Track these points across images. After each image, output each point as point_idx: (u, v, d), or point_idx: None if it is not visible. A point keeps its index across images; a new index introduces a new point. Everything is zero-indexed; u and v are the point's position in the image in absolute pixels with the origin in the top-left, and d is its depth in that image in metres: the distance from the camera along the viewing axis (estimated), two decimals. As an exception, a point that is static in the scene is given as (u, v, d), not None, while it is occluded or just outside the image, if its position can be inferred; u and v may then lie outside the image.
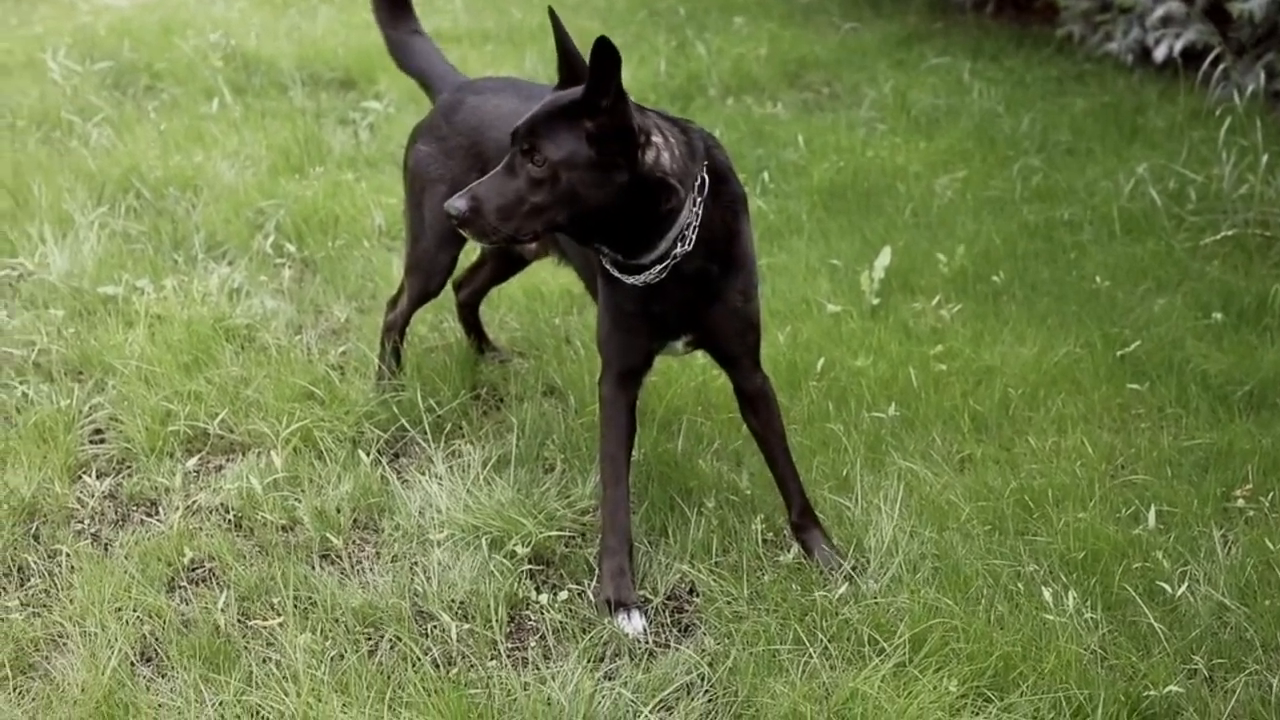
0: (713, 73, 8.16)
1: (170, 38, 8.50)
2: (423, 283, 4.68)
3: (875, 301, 5.50)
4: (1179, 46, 8.00)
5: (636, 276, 3.72)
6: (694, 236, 3.68)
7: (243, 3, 9.53)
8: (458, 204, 3.52)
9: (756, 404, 4.07)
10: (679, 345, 3.95)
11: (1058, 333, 5.30)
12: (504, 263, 5.02)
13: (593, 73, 3.43)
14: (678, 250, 3.67)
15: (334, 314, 5.46)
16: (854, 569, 3.97)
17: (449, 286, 4.92)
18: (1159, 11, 8.09)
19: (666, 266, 3.69)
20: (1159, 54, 8.09)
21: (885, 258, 5.65)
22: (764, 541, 4.11)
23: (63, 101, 7.46)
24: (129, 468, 4.53)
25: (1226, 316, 5.39)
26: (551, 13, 3.75)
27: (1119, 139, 7.20)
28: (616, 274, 3.75)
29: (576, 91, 3.51)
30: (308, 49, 8.41)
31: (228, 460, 4.57)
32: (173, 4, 9.59)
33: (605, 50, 3.36)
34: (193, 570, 4.04)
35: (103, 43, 8.40)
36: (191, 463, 4.51)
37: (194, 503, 4.33)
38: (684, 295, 3.78)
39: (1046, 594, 3.74)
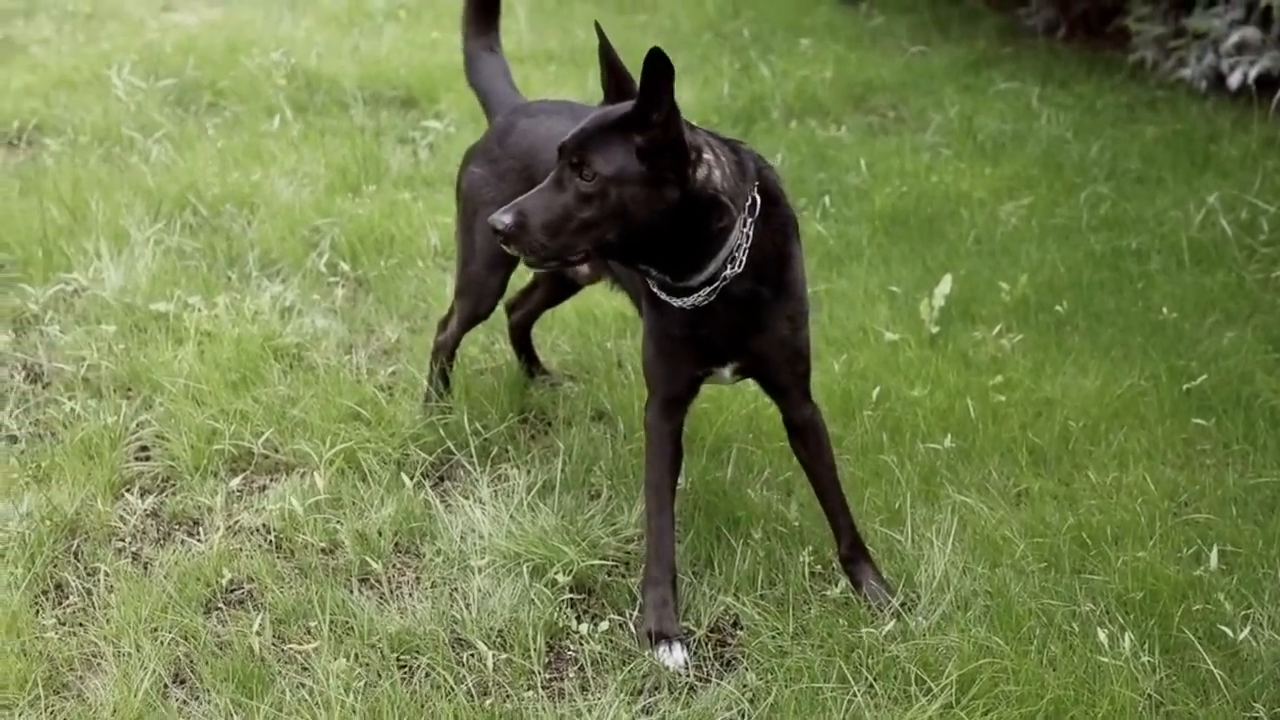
0: (776, 95, 8.07)
1: (235, 56, 8.51)
2: (473, 305, 4.62)
3: (934, 330, 5.38)
4: (1254, 74, 7.83)
5: (684, 299, 3.63)
6: (744, 258, 3.59)
7: (309, 21, 9.54)
8: (503, 219, 3.42)
9: (805, 435, 3.97)
10: (726, 373, 3.85)
11: (1121, 365, 5.17)
12: (557, 286, 4.96)
13: (644, 86, 3.34)
14: (727, 272, 3.58)
15: (385, 334, 5.41)
16: (903, 605, 3.86)
17: (500, 308, 4.87)
18: (1234, 38, 7.92)
19: (715, 289, 3.60)
20: (1233, 81, 7.92)
21: (946, 286, 5.54)
22: (811, 574, 4.02)
23: (125, 118, 7.48)
24: (172, 486, 4.49)
25: (1299, 350, 5.25)
26: (598, 27, 3.68)
27: (1190, 168, 7.05)
28: (664, 296, 3.67)
29: (627, 106, 3.43)
30: (371, 68, 8.39)
31: (271, 480, 4.52)
32: (240, 22, 9.62)
33: (658, 62, 3.28)
34: (231, 591, 4.00)
35: (168, 60, 8.42)
36: (235, 482, 4.47)
37: (235, 523, 4.29)
38: (732, 320, 3.69)
39: (1102, 635, 3.62)
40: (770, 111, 7.95)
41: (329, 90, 8.05)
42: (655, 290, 3.69)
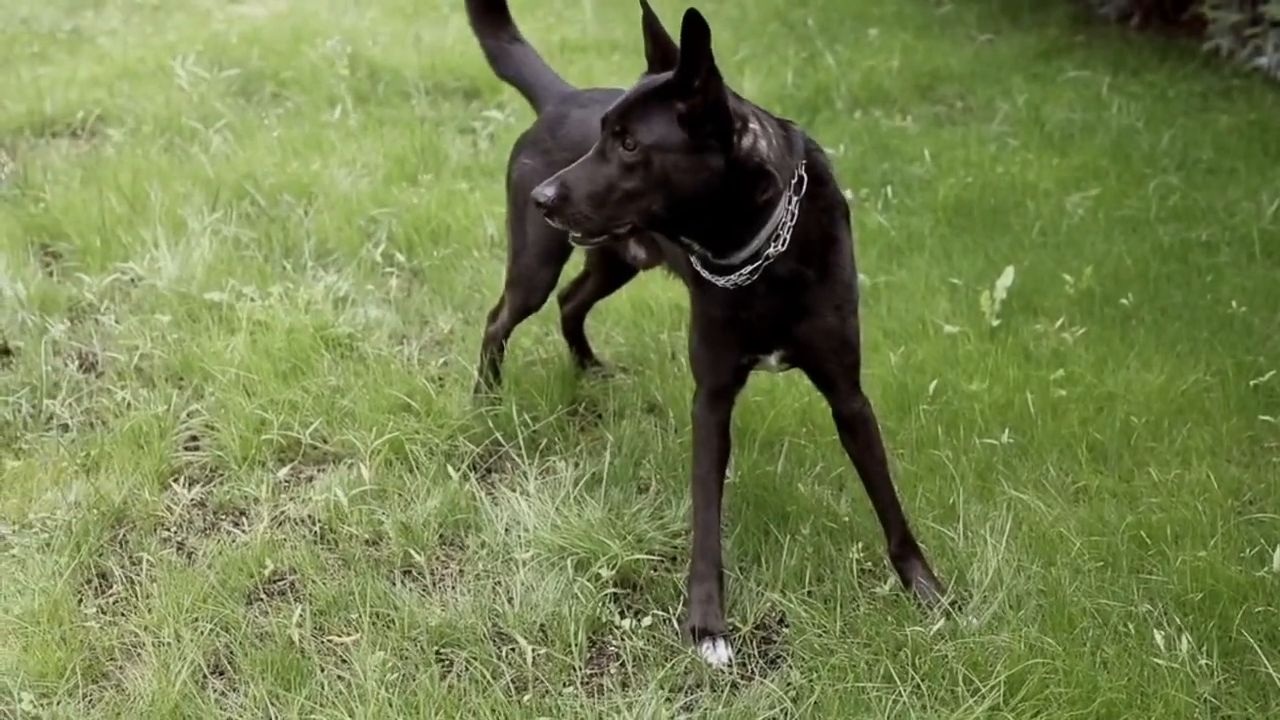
0: (841, 85, 7.97)
1: (299, 46, 8.52)
2: (523, 298, 4.57)
3: (995, 323, 5.28)
4: (1331, 63, 7.67)
5: (727, 277, 3.55)
6: (788, 236, 3.50)
7: (374, 11, 9.54)
8: (545, 191, 3.33)
9: (855, 428, 3.88)
10: (772, 360, 3.77)
11: (1187, 360, 5.05)
12: (610, 274, 4.90)
13: (684, 50, 3.26)
14: (770, 250, 3.49)
15: (439, 325, 5.38)
16: (954, 604, 3.77)
17: (553, 299, 4.81)
18: (1312, 25, 7.75)
19: (759, 267, 3.51)
20: (1311, 70, 7.76)
21: (1008, 278, 5.42)
22: (861, 571, 3.94)
23: (187, 108, 7.51)
24: (220, 476, 4.48)
25: (1371, 347, 5.11)
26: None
27: (1264, 158, 6.88)
28: (706, 275, 3.59)
29: (669, 74, 3.36)
30: (434, 58, 8.36)
31: (319, 471, 4.50)
32: (307, 12, 9.63)
33: (695, 25, 3.19)
34: (273, 582, 3.97)
35: (232, 50, 8.45)
36: (283, 473, 4.45)
37: (281, 513, 4.27)
38: (775, 303, 3.60)
39: (1158, 637, 3.52)
40: (835, 101, 7.85)
41: (391, 81, 8.05)
42: (699, 269, 3.61)
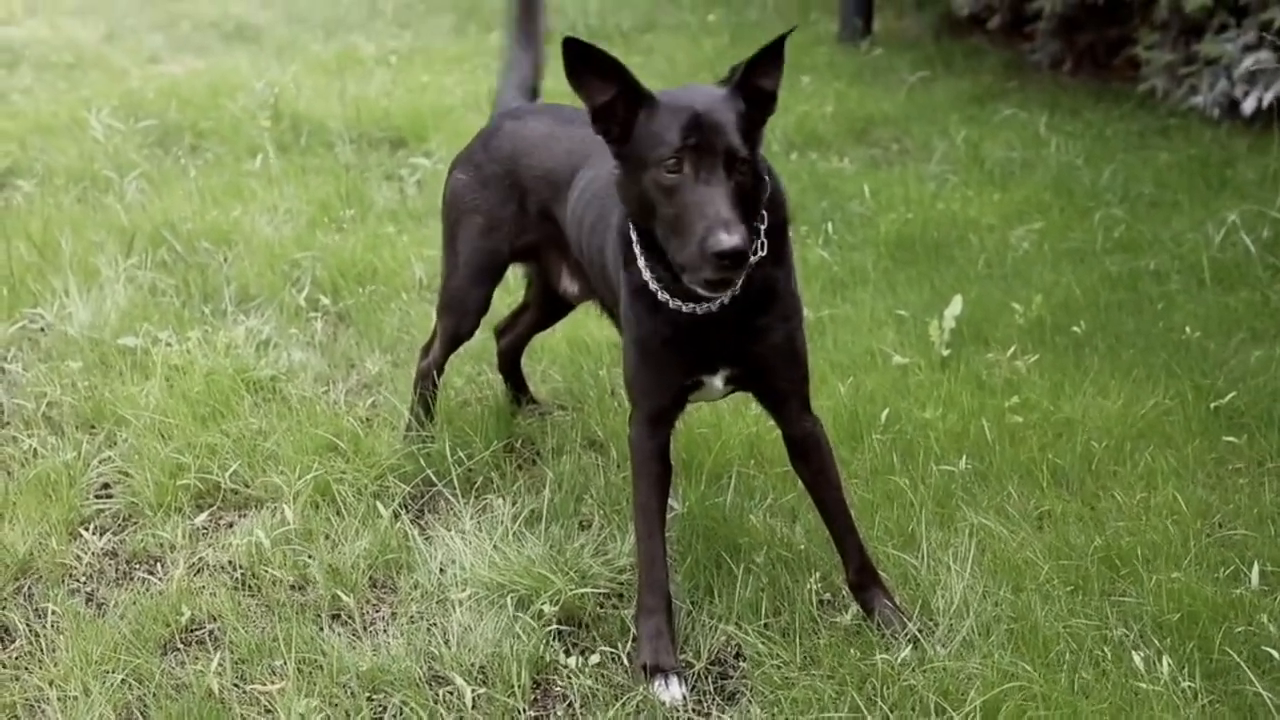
0: (776, 128, 7.82)
1: (218, 99, 8.28)
2: (455, 323, 4.35)
3: (945, 353, 5.09)
4: (1269, 98, 7.58)
5: (698, 304, 3.34)
6: (766, 242, 3.36)
7: (297, 67, 9.30)
8: (733, 240, 2.97)
9: (808, 450, 3.67)
10: (718, 382, 3.54)
11: (1144, 384, 4.88)
12: (547, 307, 4.69)
13: (752, 66, 3.18)
14: (752, 258, 3.28)
15: (367, 367, 5.12)
16: (920, 631, 3.54)
17: (491, 334, 4.60)
18: (1247, 62, 7.67)
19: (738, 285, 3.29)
20: (1248, 106, 7.67)
21: (956, 307, 5.25)
22: (820, 602, 3.71)
23: (101, 159, 7.23)
24: (134, 523, 4.19)
25: (1332, 369, 4.96)
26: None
27: (1206, 191, 6.78)
28: (675, 302, 3.36)
29: (720, 89, 3.19)
30: (359, 109, 8.13)
31: (240, 516, 4.22)
32: (225, 69, 9.39)
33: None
34: (191, 631, 3.69)
35: (149, 105, 8.20)
36: (201, 518, 4.17)
37: (199, 560, 3.99)
38: (732, 317, 3.39)
39: (1137, 659, 3.32)
40: (770, 144, 7.69)
41: (315, 131, 7.81)
42: (664, 298, 3.38)
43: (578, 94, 3.21)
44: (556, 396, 4.95)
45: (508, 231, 4.17)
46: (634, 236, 3.36)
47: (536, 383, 4.99)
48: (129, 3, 11.45)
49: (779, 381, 3.58)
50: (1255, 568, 3.71)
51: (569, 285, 4.21)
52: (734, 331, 3.43)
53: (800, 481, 3.76)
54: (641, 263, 3.37)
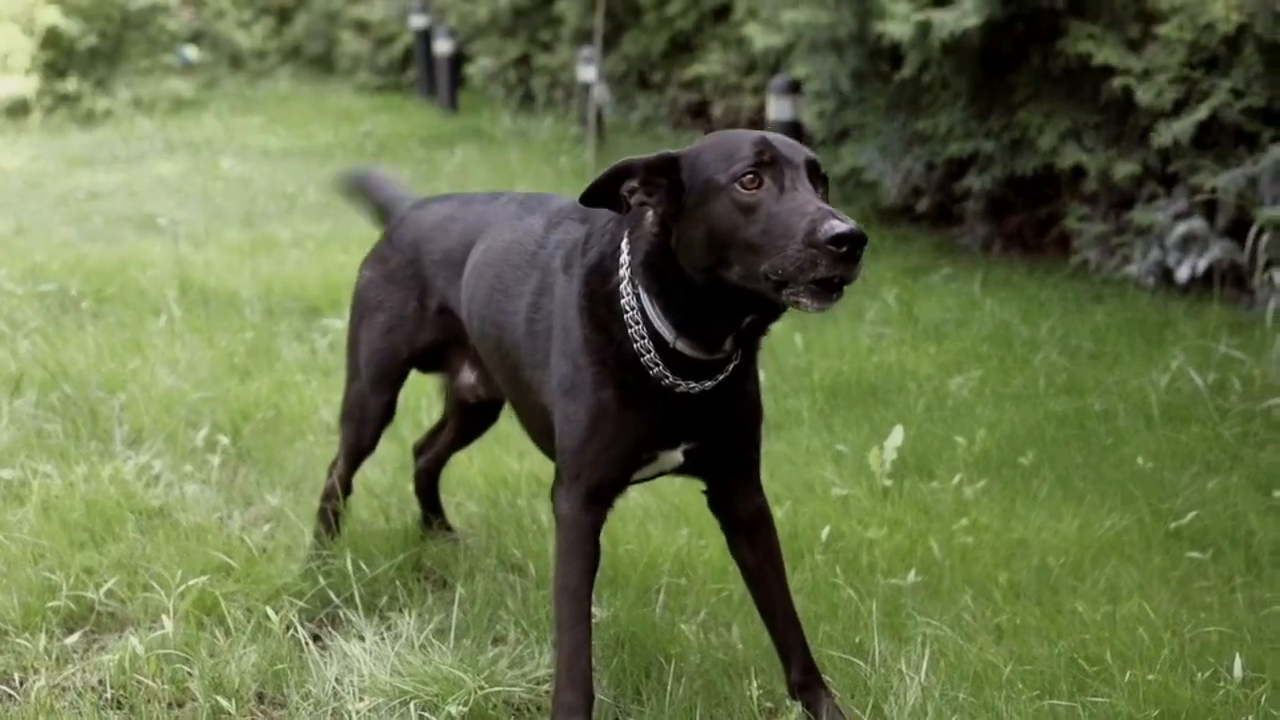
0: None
1: (126, 271, 7.96)
2: (355, 433, 4.04)
3: (888, 483, 4.78)
4: (1202, 267, 7.47)
5: (695, 383, 3.10)
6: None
7: (210, 252, 8.98)
8: (854, 225, 2.73)
9: (756, 529, 3.36)
10: (677, 455, 3.23)
11: (1098, 509, 4.59)
12: (462, 421, 4.38)
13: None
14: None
15: (266, 501, 4.73)
16: (873, 733, 3.16)
17: (394, 444, 4.26)
18: (1179, 230, 7.57)
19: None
20: (1182, 275, 7.54)
21: (897, 437, 4.95)
22: (761, 709, 3.32)
23: (-4, 318, 6.87)
24: (-3, 646, 3.75)
25: (1292, 495, 4.71)
26: None
27: (1146, 345, 6.57)
28: (670, 378, 3.08)
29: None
30: (270, 284, 7.80)
31: (118, 638, 3.79)
32: (137, 248, 9.05)
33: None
34: (49, 750, 3.24)
35: (52, 273, 7.85)
36: (72, 639, 3.75)
37: (65, 679, 3.55)
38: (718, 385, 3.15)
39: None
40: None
41: (224, 302, 7.46)
42: (662, 373, 3.09)
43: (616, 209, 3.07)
44: (472, 525, 4.58)
45: (408, 330, 3.89)
46: (643, 299, 3.06)
47: (451, 514, 4.62)
48: (41, 202, 11.21)
49: (746, 449, 3.33)
50: (1238, 659, 3.39)
51: (467, 377, 3.92)
52: (707, 400, 3.14)
53: (743, 570, 3.41)
54: (636, 331, 3.08)
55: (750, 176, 2.86)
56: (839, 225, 2.71)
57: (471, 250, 3.67)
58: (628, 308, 3.08)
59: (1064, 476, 4.90)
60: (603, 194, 3.02)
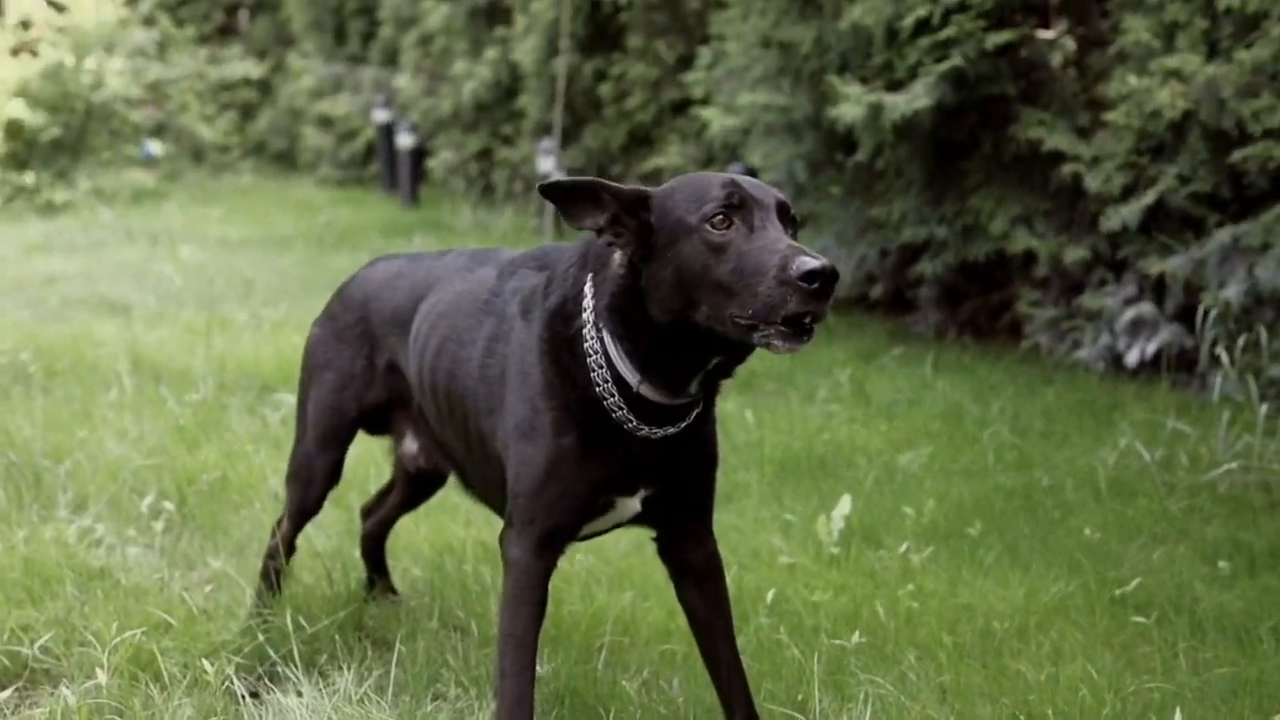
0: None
1: (78, 347, 7.92)
2: (301, 493, 4.01)
3: (835, 550, 4.78)
4: (1151, 350, 7.53)
5: (658, 429, 3.10)
6: None
7: (163, 332, 8.95)
8: (826, 261, 2.75)
9: (706, 577, 3.36)
10: (635, 503, 3.23)
11: (1044, 577, 4.60)
12: (412, 490, 4.37)
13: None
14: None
15: (209, 565, 4.69)
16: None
17: (335, 506, 4.23)
18: (1128, 315, 7.65)
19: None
20: (1131, 359, 7.60)
21: (845, 506, 4.96)
22: (702, 762, 3.30)
23: (-65, 390, 6.81)
24: (-76, 702, 3.69)
25: (1236, 565, 4.72)
26: None
27: (1096, 425, 6.61)
28: (634, 422, 3.08)
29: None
30: (224, 361, 7.76)
31: (51, 692, 3.73)
32: (90, 328, 9.01)
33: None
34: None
35: (4, 350, 7.79)
36: (4, 695, 3.68)
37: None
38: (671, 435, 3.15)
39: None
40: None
41: (176, 377, 7.42)
42: (625, 417, 3.09)
43: (577, 226, 3.02)
44: (416, 589, 4.55)
45: (357, 388, 3.88)
46: (607, 342, 3.06)
47: (396, 578, 4.58)
48: (-3, 286, 11.19)
49: (703, 495, 3.34)
50: (1178, 716, 3.38)
51: (410, 446, 3.91)
52: (668, 445, 3.14)
53: (690, 618, 3.41)
54: (600, 375, 3.08)
55: (720, 217, 2.88)
56: (810, 261, 2.73)
57: (419, 306, 3.68)
58: (591, 351, 3.08)
59: (1011, 546, 4.91)
60: (565, 194, 3.01)
